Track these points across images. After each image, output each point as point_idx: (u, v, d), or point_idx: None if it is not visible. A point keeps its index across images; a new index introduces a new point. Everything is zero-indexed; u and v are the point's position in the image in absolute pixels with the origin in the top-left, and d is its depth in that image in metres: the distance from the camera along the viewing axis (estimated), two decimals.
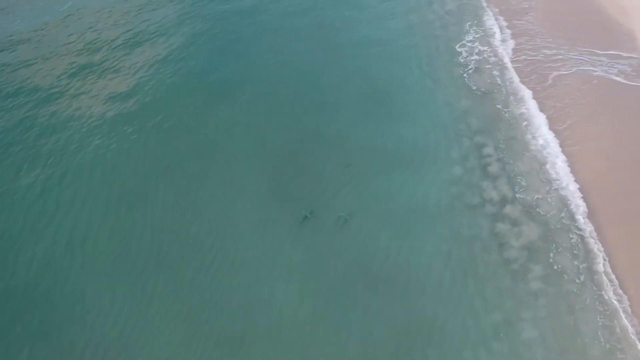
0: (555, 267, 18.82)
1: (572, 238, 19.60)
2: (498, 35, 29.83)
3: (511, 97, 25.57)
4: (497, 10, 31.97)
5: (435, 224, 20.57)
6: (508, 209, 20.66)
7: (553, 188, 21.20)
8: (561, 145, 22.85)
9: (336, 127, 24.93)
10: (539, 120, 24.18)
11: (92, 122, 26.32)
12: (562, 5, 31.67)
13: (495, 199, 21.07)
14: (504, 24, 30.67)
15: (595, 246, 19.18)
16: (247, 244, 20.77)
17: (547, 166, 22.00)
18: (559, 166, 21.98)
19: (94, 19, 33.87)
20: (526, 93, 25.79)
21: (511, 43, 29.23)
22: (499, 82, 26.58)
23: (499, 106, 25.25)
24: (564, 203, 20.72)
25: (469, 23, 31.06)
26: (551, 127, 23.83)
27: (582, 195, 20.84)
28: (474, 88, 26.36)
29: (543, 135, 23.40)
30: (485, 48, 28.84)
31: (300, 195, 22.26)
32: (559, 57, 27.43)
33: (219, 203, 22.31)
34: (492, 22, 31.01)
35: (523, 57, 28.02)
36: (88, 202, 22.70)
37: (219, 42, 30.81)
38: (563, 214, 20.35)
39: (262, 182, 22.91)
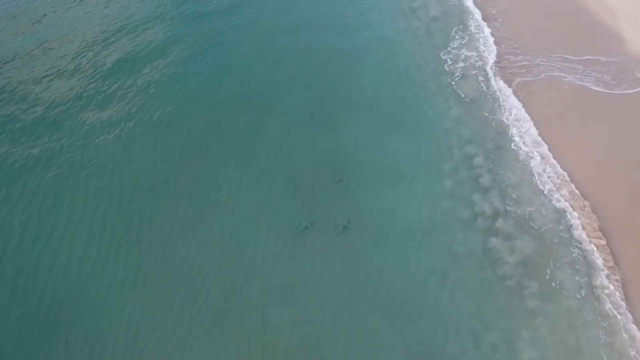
0: (554, 283, 18.49)
1: (569, 251, 19.30)
2: (482, 41, 29.48)
3: (497, 105, 25.28)
4: (481, 15, 31.62)
5: (429, 240, 20.14)
6: (501, 223, 20.32)
7: (546, 199, 20.88)
8: (551, 154, 22.56)
9: (325, 140, 24.42)
10: (528, 128, 23.86)
11: (72, 143, 25.47)
12: (547, 7, 31.40)
13: (487, 213, 20.72)
14: (488, 30, 30.31)
15: (595, 259, 18.84)
16: (237, 266, 20.20)
17: (538, 176, 21.66)
18: (550, 176, 21.64)
19: (70, 42, 32.83)
20: (513, 100, 25.48)
21: (496, 49, 28.89)
22: (485, 89, 26.27)
23: (486, 114, 24.99)
24: (559, 215, 20.42)
25: (454, 29, 30.72)
26: (540, 135, 23.57)
27: (575, 207, 20.55)
28: (462, 96, 26.03)
29: (531, 144, 23.07)
30: (471, 54, 28.51)
31: (289, 213, 21.73)
32: (542, 63, 27.25)
33: (207, 224, 21.68)
34: (475, 27, 30.67)
35: (507, 62, 27.72)
36: (70, 228, 21.92)
37: (203, 59, 29.99)
38: (558, 227, 20.05)
39: (251, 200, 22.35)
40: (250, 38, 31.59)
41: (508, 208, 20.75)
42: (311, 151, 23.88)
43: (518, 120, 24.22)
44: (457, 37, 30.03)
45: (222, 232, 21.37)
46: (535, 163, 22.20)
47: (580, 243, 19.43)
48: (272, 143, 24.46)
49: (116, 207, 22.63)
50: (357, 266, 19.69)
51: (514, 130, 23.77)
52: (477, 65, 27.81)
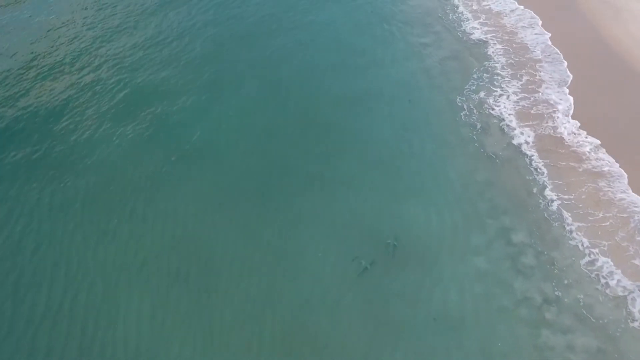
0: None
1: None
2: (501, 85, 26.64)
3: (527, 163, 22.35)
4: (501, 53, 28.93)
5: (461, 336, 17.08)
6: (551, 313, 17.27)
7: (605, 284, 17.85)
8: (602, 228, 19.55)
9: (337, 209, 21.48)
10: (571, 195, 20.74)
11: (51, 211, 22.43)
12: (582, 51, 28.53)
13: (534, 300, 17.68)
14: (508, 71, 27.50)
15: None
16: None
17: (592, 256, 18.63)
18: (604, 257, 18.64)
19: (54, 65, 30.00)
20: (550, 160, 22.44)
21: (518, 92, 26.07)
22: (512, 144, 23.38)
23: (527, 177, 21.90)
24: (620, 301, 17.39)
25: (470, 70, 28.01)
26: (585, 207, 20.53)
27: None
28: (488, 153, 23.13)
29: (578, 214, 19.99)
30: (491, 100, 25.69)
31: (297, 299, 18.72)
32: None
33: (205, 314, 18.63)
34: (494, 69, 27.89)
35: (528, 109, 24.94)
36: (47, 318, 18.83)
37: (196, 104, 27.04)
38: (621, 315, 17.00)
39: (254, 284, 19.33)
40: (251, 81, 28.65)
41: (557, 293, 17.73)
42: (322, 222, 21.00)
43: (557, 185, 21.21)
44: (474, 78, 27.28)
45: (222, 325, 18.33)
46: (585, 238, 19.18)
47: None
48: (278, 212, 21.56)
49: (99, 292, 19.65)
50: None
51: (553, 197, 20.81)
52: (499, 115, 24.90)
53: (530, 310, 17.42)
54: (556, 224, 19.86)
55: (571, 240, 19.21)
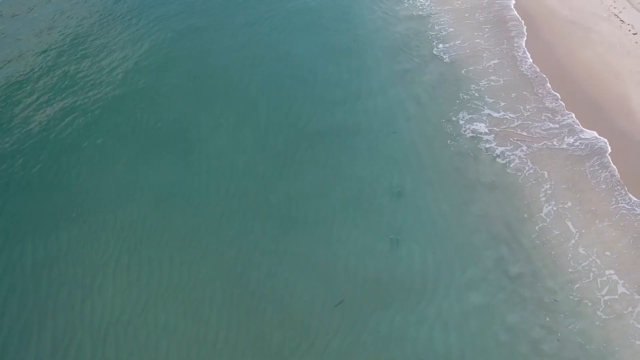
0: None
1: None
2: (487, 108, 26.37)
3: (527, 188, 22.00)
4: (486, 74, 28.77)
5: None
6: (550, 346, 16.84)
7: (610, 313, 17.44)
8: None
9: (320, 251, 21.13)
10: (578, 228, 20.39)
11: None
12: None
13: (532, 334, 17.25)
14: (497, 93, 27.17)
15: None
16: None
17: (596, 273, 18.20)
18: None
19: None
20: (551, 185, 22.14)
21: (509, 120, 25.74)
22: (510, 172, 23.01)
23: (526, 202, 21.56)
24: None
25: (454, 96, 27.61)
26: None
27: None
28: (485, 182, 22.78)
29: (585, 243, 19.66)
30: (478, 126, 25.39)
31: (285, 347, 18.42)
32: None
33: None
34: (476, 92, 27.69)
35: (505, 128, 24.78)
36: None
37: (168, 153, 26.36)
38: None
39: (243, 332, 18.94)
40: (224, 120, 27.88)
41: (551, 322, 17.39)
42: (305, 265, 20.71)
43: (556, 206, 20.97)
44: (457, 105, 26.93)
45: None
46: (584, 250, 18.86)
47: None
48: (263, 256, 21.19)
49: (88, 352, 19.09)
50: None
51: (550, 218, 20.52)
52: (487, 140, 24.62)
53: (527, 346, 17.01)
54: (559, 252, 19.63)
55: (570, 260, 18.95)
